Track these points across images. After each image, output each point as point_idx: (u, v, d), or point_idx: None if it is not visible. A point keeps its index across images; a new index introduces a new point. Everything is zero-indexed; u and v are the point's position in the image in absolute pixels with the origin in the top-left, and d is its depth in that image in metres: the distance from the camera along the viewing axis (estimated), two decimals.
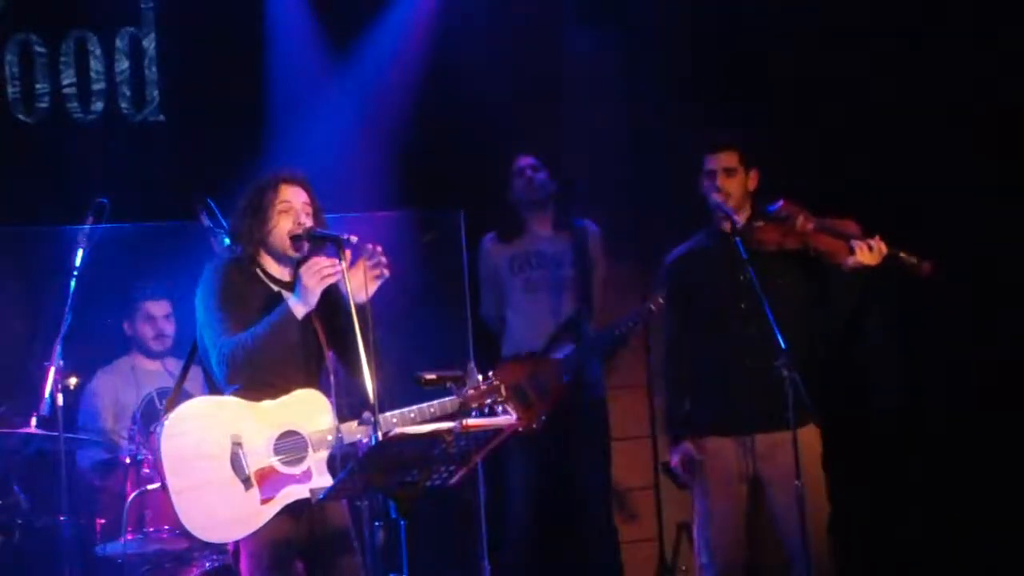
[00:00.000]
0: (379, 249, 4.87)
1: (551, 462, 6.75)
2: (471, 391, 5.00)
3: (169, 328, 6.68)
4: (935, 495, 6.90)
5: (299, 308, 4.86)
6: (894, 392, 7.05)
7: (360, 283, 4.83)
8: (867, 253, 5.56)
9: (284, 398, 4.91)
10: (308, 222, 4.99)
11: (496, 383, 5.06)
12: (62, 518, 5.92)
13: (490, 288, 6.96)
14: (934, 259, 5.57)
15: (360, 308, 4.80)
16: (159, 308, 6.68)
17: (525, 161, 6.90)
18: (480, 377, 5.07)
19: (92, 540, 6.16)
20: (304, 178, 5.07)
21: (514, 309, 6.86)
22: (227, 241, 5.19)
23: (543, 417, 6.57)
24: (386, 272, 4.88)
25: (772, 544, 5.79)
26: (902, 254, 5.60)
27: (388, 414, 4.90)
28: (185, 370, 5.11)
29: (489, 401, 5.02)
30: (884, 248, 5.58)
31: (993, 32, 6.77)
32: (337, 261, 4.83)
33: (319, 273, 4.83)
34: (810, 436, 5.70)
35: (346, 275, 4.80)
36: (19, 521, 6.17)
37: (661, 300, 6.42)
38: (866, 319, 6.07)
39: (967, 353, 6.88)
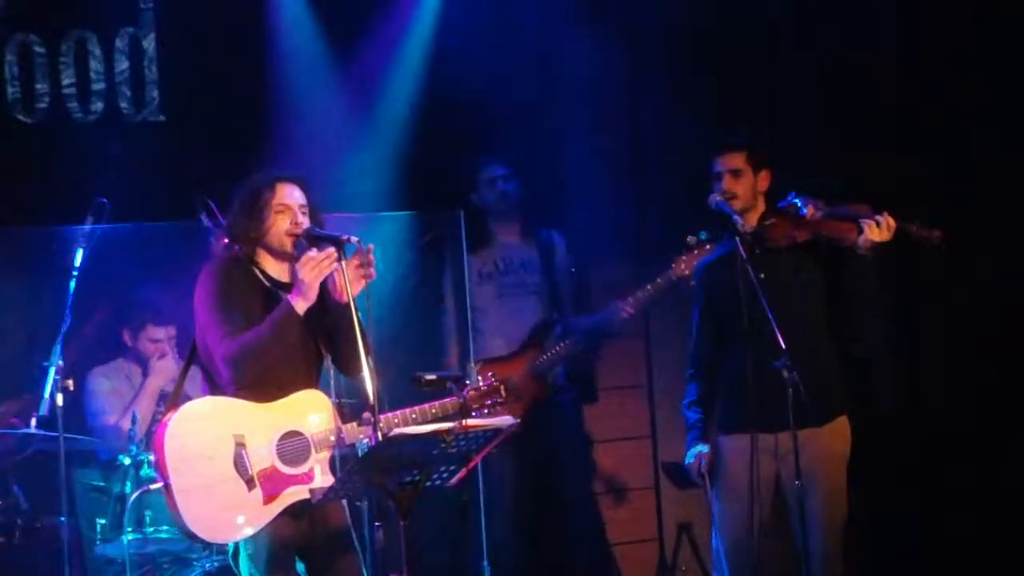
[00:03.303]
0: (370, 248, 4.88)
1: (531, 465, 6.75)
2: (472, 392, 5.01)
3: (171, 350, 6.67)
4: (935, 496, 6.90)
5: (300, 303, 4.86)
6: (893, 392, 7.05)
7: (343, 283, 4.84)
8: (876, 230, 5.56)
9: (286, 398, 4.91)
10: (305, 222, 4.99)
11: (496, 384, 5.07)
12: (62, 518, 5.91)
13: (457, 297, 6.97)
14: (941, 228, 5.58)
15: (343, 307, 4.81)
16: (165, 332, 6.67)
17: (496, 171, 6.92)
18: (480, 378, 5.08)
19: (92, 540, 6.16)
20: (301, 177, 5.07)
21: (485, 316, 6.87)
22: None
23: (517, 420, 6.56)
24: (372, 274, 4.88)
25: (787, 544, 5.79)
26: (912, 227, 5.60)
27: (390, 414, 4.90)
28: (185, 371, 5.10)
29: (490, 402, 5.03)
30: (893, 223, 5.58)
31: (992, 29, 6.78)
32: (332, 251, 4.83)
33: (316, 267, 4.84)
34: (837, 432, 5.72)
35: (346, 275, 4.81)
36: (19, 521, 6.17)
37: (632, 300, 6.44)
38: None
39: (967, 353, 6.88)
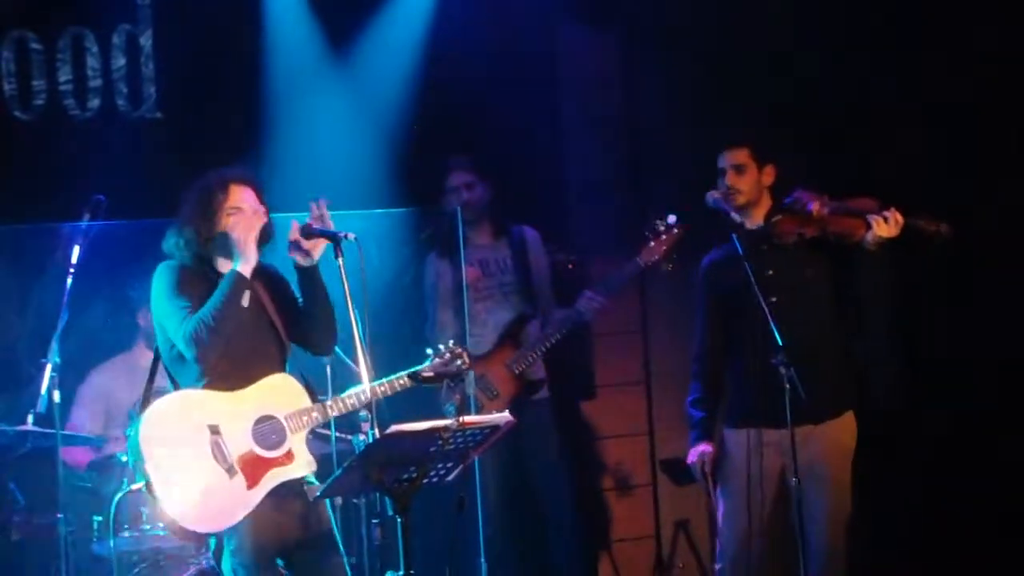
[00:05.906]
0: (322, 204, 4.92)
1: (509, 464, 6.74)
2: (436, 359, 5.02)
3: None
4: (935, 495, 6.89)
5: (243, 267, 4.91)
6: (894, 392, 7.04)
7: (309, 246, 4.91)
8: (884, 225, 5.58)
9: (255, 384, 4.94)
10: (261, 222, 4.99)
11: (458, 350, 5.05)
12: (58, 515, 5.90)
13: (436, 303, 6.94)
14: (948, 223, 5.59)
15: (309, 271, 4.91)
16: None
17: (458, 179, 6.90)
18: (442, 347, 5.08)
19: (88, 538, 6.14)
20: (253, 178, 5.10)
21: (468, 320, 6.85)
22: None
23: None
24: (330, 226, 4.90)
25: (791, 538, 5.77)
26: (920, 221, 5.60)
27: (357, 389, 4.93)
28: (154, 371, 5.08)
29: (455, 366, 5.02)
30: (900, 218, 5.59)
31: (991, 28, 6.77)
32: (259, 208, 4.91)
33: (246, 223, 4.90)
34: (844, 428, 5.72)
35: (343, 270, 4.81)
36: (15, 519, 6.17)
37: (602, 289, 6.42)
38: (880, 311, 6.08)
39: (967, 353, 6.88)
